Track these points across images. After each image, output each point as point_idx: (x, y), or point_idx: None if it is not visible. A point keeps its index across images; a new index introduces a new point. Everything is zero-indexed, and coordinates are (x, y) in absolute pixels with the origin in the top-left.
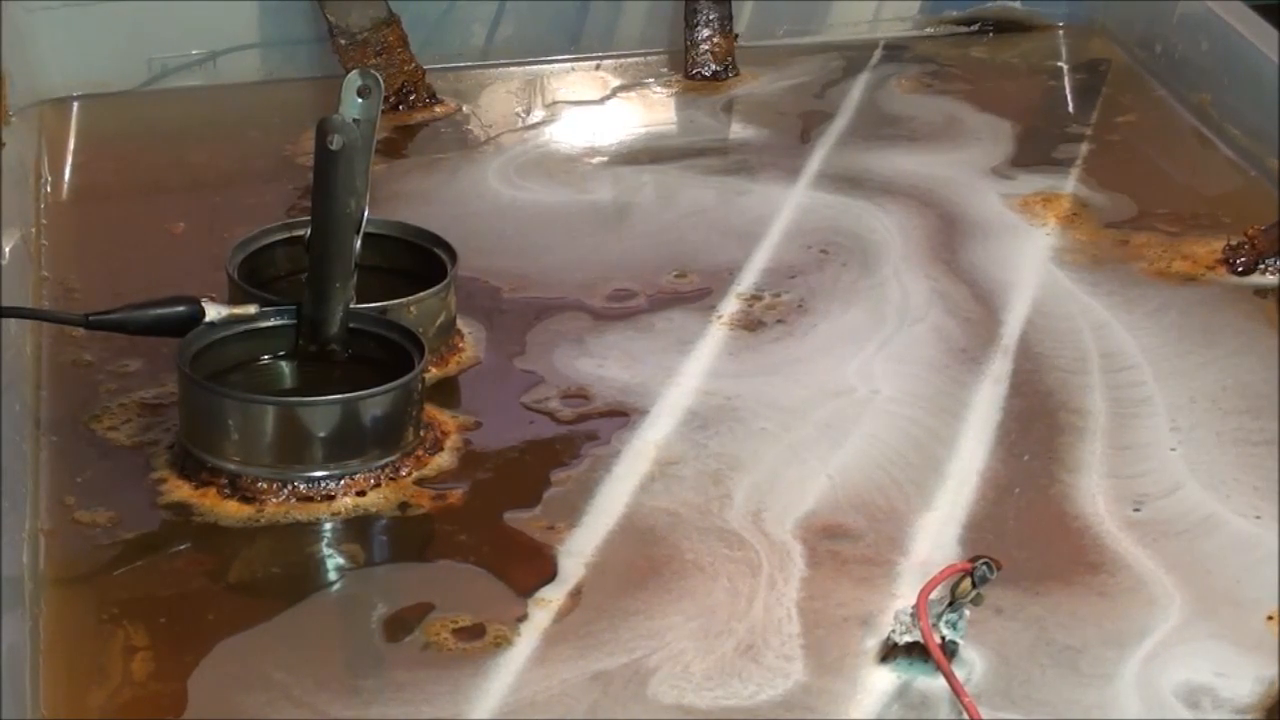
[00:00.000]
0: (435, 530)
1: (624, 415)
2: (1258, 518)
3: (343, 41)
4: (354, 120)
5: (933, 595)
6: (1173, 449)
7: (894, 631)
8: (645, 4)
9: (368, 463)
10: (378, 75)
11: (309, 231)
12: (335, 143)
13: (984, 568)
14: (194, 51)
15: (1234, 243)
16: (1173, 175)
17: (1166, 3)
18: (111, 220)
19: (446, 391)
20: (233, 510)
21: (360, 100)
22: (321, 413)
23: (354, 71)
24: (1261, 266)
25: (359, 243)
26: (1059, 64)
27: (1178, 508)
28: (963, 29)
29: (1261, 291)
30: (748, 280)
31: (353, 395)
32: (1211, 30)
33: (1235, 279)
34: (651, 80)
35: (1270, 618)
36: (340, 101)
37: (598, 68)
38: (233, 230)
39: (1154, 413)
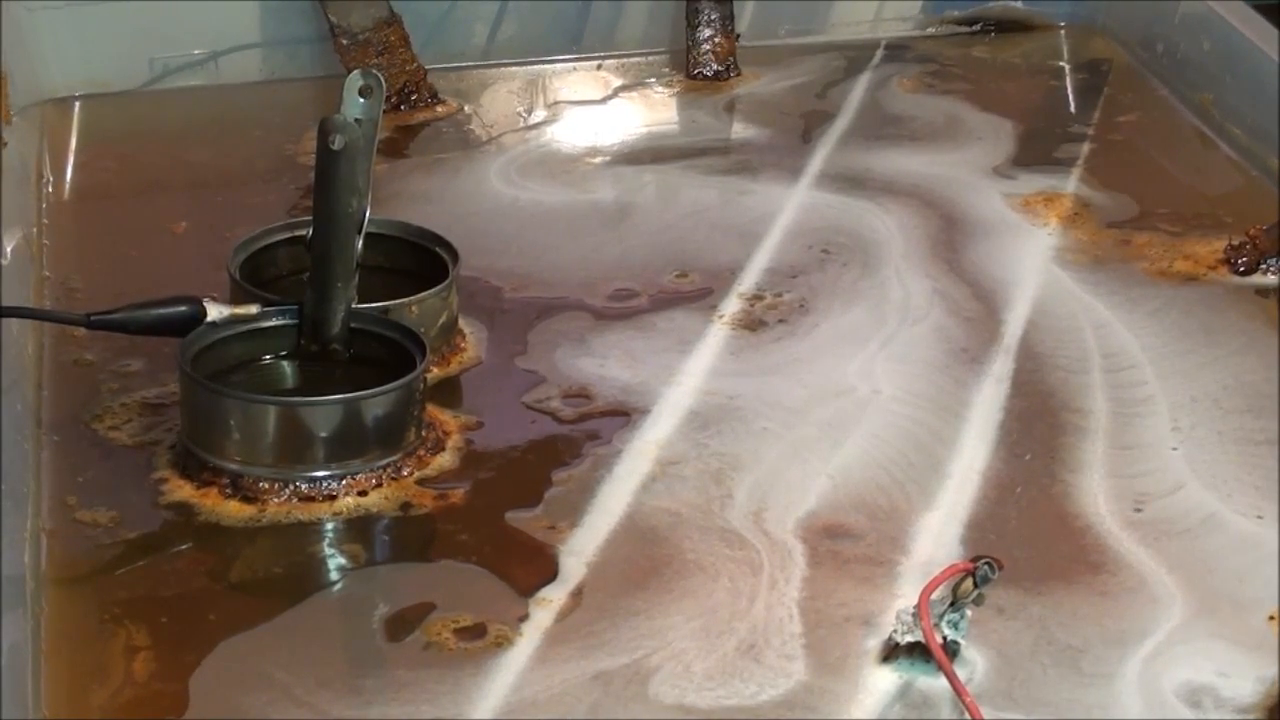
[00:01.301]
0: (437, 530)
1: (625, 415)
2: (1259, 517)
3: (344, 41)
4: (356, 120)
5: (934, 595)
6: (1174, 449)
7: (895, 631)
8: (647, 4)
9: (369, 463)
10: (379, 75)
11: (310, 231)
12: (337, 142)
13: (986, 568)
14: (196, 51)
15: (1235, 242)
16: (1174, 175)
17: (1168, 3)
18: (113, 220)
19: (448, 391)
20: (234, 510)
21: (362, 100)
22: (323, 413)
23: (356, 71)
24: (1263, 266)
25: (361, 242)
26: (1060, 64)
27: (1179, 507)
28: (964, 29)
29: (1263, 291)
30: (749, 280)
31: (354, 395)
32: (1213, 30)
33: (1237, 279)
34: (653, 80)
35: (1271, 617)
36: (342, 101)
37: (599, 67)
38: (234, 230)
39: (1155, 412)
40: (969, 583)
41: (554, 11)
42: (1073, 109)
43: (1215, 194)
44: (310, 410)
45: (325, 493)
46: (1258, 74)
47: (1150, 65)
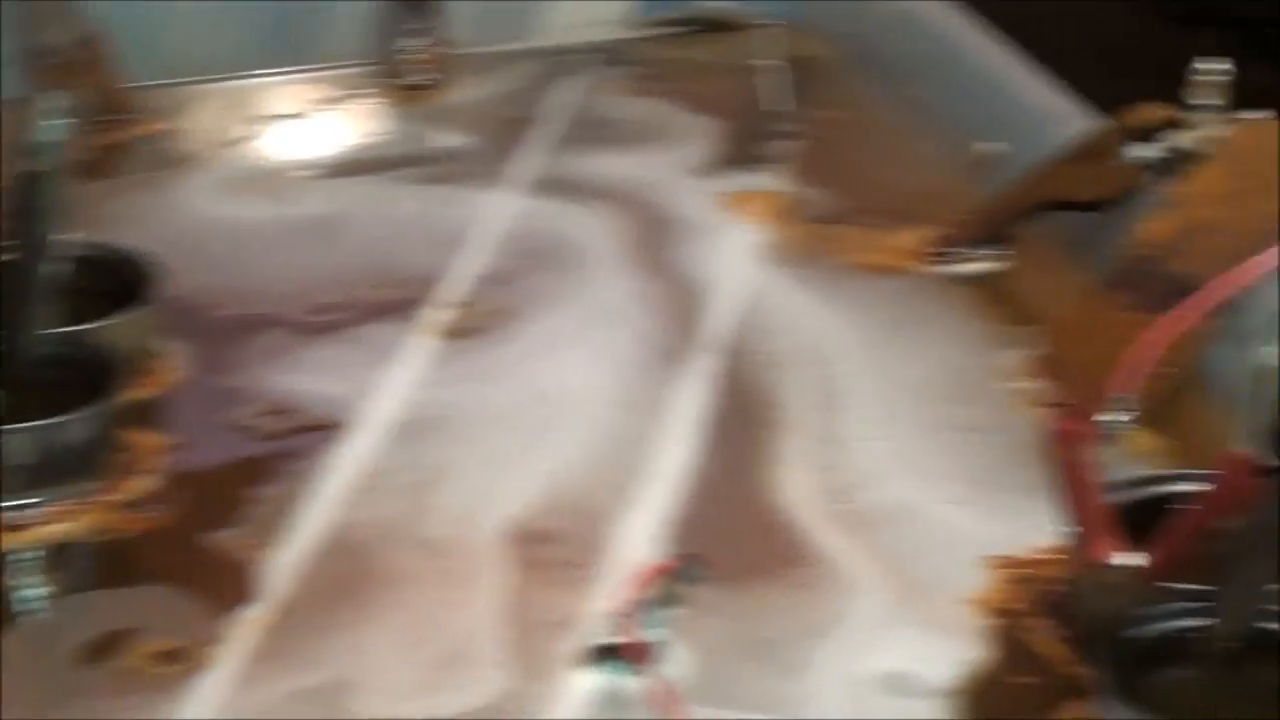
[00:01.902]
0: (137, 554)
1: (331, 429)
2: (957, 505)
3: (39, 62)
4: (50, 142)
5: (637, 595)
6: (875, 440)
7: (599, 634)
8: (355, 15)
9: (66, 490)
10: (74, 96)
11: (3, 256)
12: (30, 166)
13: (688, 566)
14: None
15: (935, 235)
16: (877, 170)
17: (871, 2)
18: None
19: (149, 413)
20: None
21: (55, 123)
22: (13, 441)
23: (49, 93)
24: (962, 257)
25: (58, 266)
26: (768, 62)
27: (879, 497)
28: (675, 30)
29: (961, 281)
30: (457, 288)
31: (46, 422)
32: (914, 28)
33: (937, 270)
34: (362, 91)
35: (967, 602)
36: (35, 125)
37: (307, 80)
38: None
39: (858, 404)
40: (671, 581)
41: (261, 25)
42: (778, 107)
43: (916, 188)
44: None
45: (21, 521)
46: (957, 71)
47: (855, 62)
